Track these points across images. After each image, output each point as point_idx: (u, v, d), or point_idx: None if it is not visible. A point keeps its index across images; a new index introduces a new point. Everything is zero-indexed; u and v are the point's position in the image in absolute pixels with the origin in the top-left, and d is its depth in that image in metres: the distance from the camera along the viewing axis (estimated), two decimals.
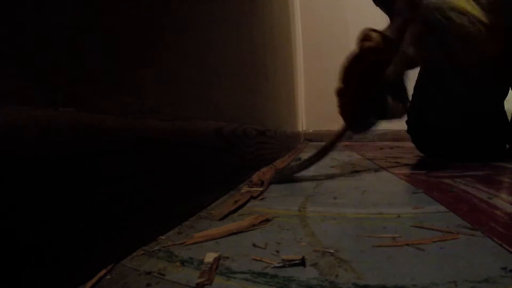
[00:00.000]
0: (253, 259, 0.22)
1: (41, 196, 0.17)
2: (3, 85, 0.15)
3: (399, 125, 1.18)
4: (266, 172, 0.59)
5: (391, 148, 1.36)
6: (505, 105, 0.88)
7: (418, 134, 0.85)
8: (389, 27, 0.51)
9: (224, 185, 0.45)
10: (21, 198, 0.15)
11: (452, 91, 0.75)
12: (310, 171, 0.61)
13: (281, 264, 0.21)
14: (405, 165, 0.75)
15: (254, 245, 0.25)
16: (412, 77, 0.68)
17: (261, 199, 0.41)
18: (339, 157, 0.98)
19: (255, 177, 0.54)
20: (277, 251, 0.24)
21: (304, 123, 2.22)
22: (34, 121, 0.16)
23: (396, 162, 0.79)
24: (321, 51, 2.21)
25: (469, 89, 0.73)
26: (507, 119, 0.87)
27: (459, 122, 0.76)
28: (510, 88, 0.82)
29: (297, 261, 0.21)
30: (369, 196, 0.42)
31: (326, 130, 2.16)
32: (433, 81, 0.79)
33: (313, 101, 2.23)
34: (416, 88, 0.84)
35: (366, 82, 0.49)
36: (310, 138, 2.11)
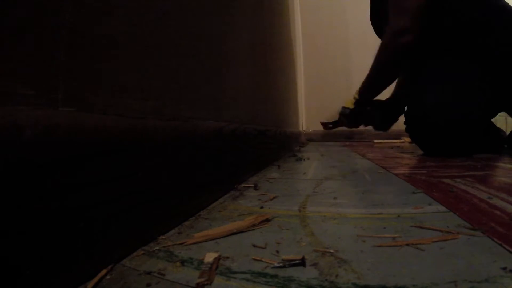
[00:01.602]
0: (253, 259, 0.22)
1: (40, 196, 0.17)
2: (3, 85, 0.15)
3: (399, 125, 1.19)
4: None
5: (391, 148, 1.36)
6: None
7: (417, 132, 0.94)
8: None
9: (224, 185, 0.45)
10: (20, 198, 0.15)
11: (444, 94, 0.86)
12: (310, 172, 0.61)
13: (281, 264, 0.21)
14: (405, 165, 0.75)
15: (254, 245, 0.25)
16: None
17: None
18: (339, 157, 0.98)
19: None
20: (277, 251, 0.24)
21: (304, 123, 2.22)
22: (34, 121, 0.16)
23: (396, 162, 0.79)
24: (321, 51, 2.21)
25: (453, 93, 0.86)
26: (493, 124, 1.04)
27: (456, 121, 0.83)
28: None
29: (297, 261, 0.21)
30: (369, 196, 0.42)
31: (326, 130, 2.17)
32: (432, 87, 0.90)
33: (313, 101, 2.23)
34: (415, 89, 0.94)
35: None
36: (310, 138, 2.11)
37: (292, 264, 0.21)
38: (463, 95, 0.83)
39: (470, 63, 0.85)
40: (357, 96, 1.10)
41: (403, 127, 0.99)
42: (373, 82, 1.01)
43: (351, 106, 1.14)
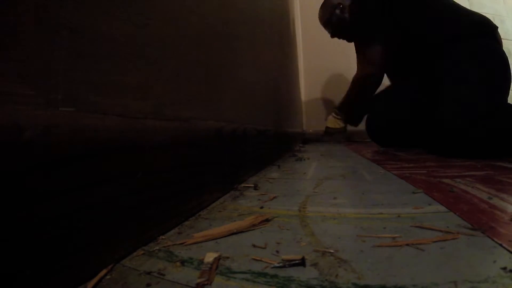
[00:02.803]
0: (253, 259, 0.22)
1: (40, 196, 0.17)
2: (3, 85, 0.15)
3: None
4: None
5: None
6: None
7: (374, 130, 1.28)
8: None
9: (224, 185, 0.45)
10: (21, 198, 0.15)
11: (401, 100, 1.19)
12: (310, 172, 0.61)
13: (281, 264, 0.21)
14: (405, 165, 0.75)
15: (254, 245, 0.25)
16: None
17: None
18: (339, 157, 0.99)
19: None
20: (277, 251, 0.24)
21: (304, 123, 2.22)
22: (34, 121, 0.16)
23: (396, 162, 0.79)
24: (321, 51, 2.21)
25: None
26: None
27: (404, 121, 1.16)
28: None
29: (297, 261, 0.21)
30: (369, 196, 0.42)
31: None
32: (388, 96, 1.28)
33: (313, 101, 2.23)
34: (377, 99, 1.31)
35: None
36: (310, 138, 2.11)
37: (292, 264, 0.21)
38: (392, 106, 1.19)
39: (412, 81, 1.15)
40: (335, 115, 1.52)
41: None
42: (350, 104, 1.45)
43: (332, 125, 1.53)
